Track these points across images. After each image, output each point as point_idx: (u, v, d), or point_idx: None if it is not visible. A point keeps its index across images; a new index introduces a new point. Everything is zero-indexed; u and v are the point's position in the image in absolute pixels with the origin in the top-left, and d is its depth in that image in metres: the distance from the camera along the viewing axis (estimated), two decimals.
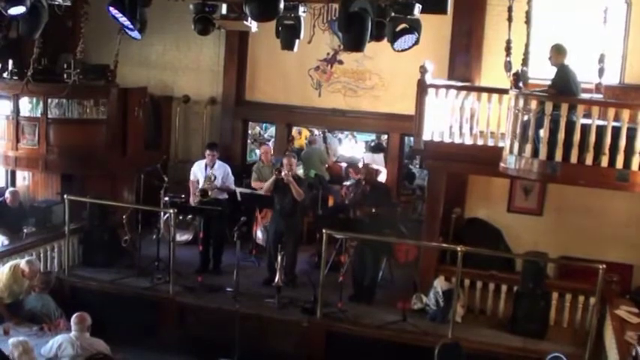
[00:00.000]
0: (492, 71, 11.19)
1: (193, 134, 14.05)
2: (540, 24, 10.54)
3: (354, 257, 10.65)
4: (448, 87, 10.10)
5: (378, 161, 14.91)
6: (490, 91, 9.94)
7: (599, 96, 9.39)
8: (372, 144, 17.35)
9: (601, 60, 9.67)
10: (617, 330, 8.56)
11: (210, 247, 11.43)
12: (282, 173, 10.49)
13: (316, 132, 16.80)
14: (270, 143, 15.17)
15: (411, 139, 10.97)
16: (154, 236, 11.29)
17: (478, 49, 11.71)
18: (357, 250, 10.63)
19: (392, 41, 7.64)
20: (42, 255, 10.85)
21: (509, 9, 9.45)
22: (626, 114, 8.34)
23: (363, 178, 10.79)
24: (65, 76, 11.47)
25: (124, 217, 11.25)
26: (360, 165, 13.01)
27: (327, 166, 14.66)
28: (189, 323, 10.24)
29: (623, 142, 8.37)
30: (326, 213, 12.12)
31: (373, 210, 10.32)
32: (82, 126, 11.71)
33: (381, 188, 10.94)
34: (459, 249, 9.31)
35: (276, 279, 10.06)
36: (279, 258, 10.13)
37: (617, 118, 8.42)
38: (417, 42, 7.64)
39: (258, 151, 16.63)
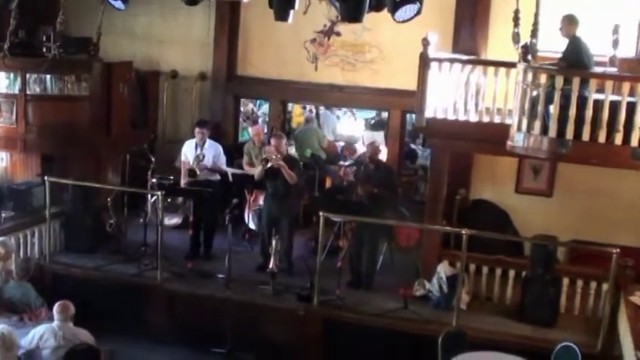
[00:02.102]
0: (499, 43, 11.12)
1: (182, 112, 14.01)
2: None
3: (351, 241, 10.62)
4: (452, 60, 10.06)
5: (378, 140, 14.85)
6: (497, 64, 9.88)
7: (613, 69, 9.33)
8: (372, 121, 17.30)
9: (615, 31, 9.59)
10: (631, 318, 8.55)
11: (201, 231, 11.42)
12: (270, 162, 10.43)
13: (308, 110, 16.74)
14: (260, 121, 15.15)
15: (413, 116, 10.95)
16: (141, 220, 11.29)
17: (484, 20, 11.66)
18: (354, 233, 10.60)
19: (392, 11, 7.54)
20: (21, 240, 10.80)
21: None
22: None
23: (368, 155, 10.75)
24: (44, 49, 11.33)
25: (108, 199, 11.21)
26: (357, 145, 12.99)
27: (324, 146, 14.59)
28: (179, 312, 10.24)
29: (638, 119, 8.34)
30: (323, 194, 12.11)
31: (375, 190, 10.29)
32: (63, 103, 11.60)
33: (385, 168, 10.92)
34: (463, 232, 9.32)
35: (271, 265, 10.04)
36: (273, 243, 10.10)
37: (632, 93, 8.42)
38: (418, 12, 7.54)
39: (250, 130, 16.61)
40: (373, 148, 10.85)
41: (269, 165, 10.46)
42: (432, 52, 9.92)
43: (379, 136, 15.21)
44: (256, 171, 10.84)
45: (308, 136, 14.36)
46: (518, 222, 11.58)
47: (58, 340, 7.88)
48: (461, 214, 11.10)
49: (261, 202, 11.63)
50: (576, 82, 8.43)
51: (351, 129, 17.37)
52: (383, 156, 13.06)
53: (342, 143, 15.33)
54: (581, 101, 8.42)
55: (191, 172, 11.23)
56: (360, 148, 14.77)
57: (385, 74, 12.75)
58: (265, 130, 13.30)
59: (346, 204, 10.69)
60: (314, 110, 16.59)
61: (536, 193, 11.58)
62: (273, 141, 10.85)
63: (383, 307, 9.83)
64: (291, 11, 8.44)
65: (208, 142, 11.43)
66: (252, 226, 12.04)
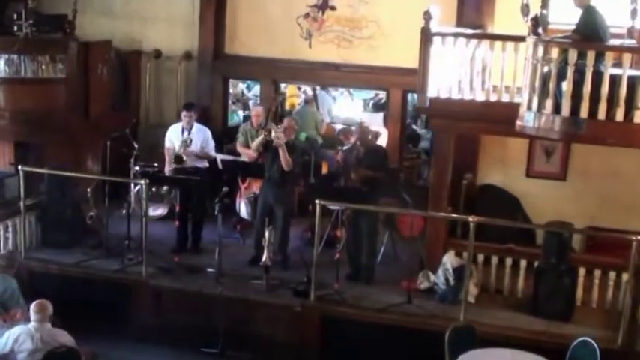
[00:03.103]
0: (507, 16, 11.10)
1: (166, 94, 13.99)
2: None
3: (349, 231, 10.59)
4: (456, 35, 10.02)
5: (377, 122, 14.82)
6: (504, 38, 9.83)
7: (631, 42, 9.28)
8: (371, 102, 17.23)
9: (634, 0, 9.52)
10: None
11: (189, 223, 11.39)
12: (273, 134, 10.37)
13: (304, 91, 16.68)
14: (251, 103, 15.08)
15: (415, 95, 10.88)
16: (124, 211, 11.23)
17: None
18: (352, 222, 10.56)
19: None
20: None
21: None
22: None
23: (357, 138, 10.70)
24: (16, 28, 11.31)
25: (88, 190, 11.18)
26: (354, 128, 12.91)
27: (322, 132, 14.52)
28: (166, 309, 10.21)
29: None
30: (319, 181, 12.09)
31: (370, 173, 10.26)
32: (37, 86, 11.57)
33: (377, 151, 10.87)
34: (470, 220, 9.28)
35: (264, 257, 10.03)
36: (266, 234, 10.08)
37: None
38: None
39: (240, 113, 16.60)
40: (362, 130, 10.80)
41: (272, 136, 10.40)
42: (434, 27, 9.85)
43: (378, 118, 15.18)
44: (255, 142, 10.83)
45: (305, 119, 14.29)
46: (529, 208, 11.57)
47: (36, 343, 7.80)
48: (468, 201, 11.07)
49: (254, 190, 11.61)
50: (591, 56, 8.34)
51: (349, 110, 17.32)
52: (383, 140, 13.03)
53: (340, 126, 15.25)
54: (596, 77, 8.34)
55: (177, 159, 11.17)
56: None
57: (384, 51, 12.71)
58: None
59: (344, 191, 10.63)
60: (310, 91, 16.48)
61: (549, 177, 11.56)
62: (286, 121, 10.91)
63: (385, 301, 9.80)
64: None
65: (196, 126, 11.38)
66: (244, 215, 11.99)
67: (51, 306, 8.03)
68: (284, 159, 10.41)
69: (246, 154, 11.66)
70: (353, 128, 13.07)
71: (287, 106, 16.45)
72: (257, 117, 12.22)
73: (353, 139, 11.16)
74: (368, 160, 10.42)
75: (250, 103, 16.36)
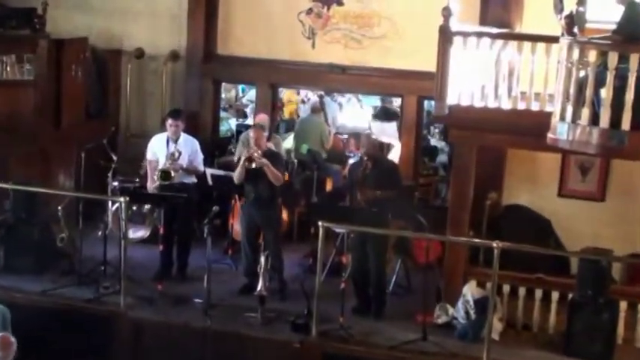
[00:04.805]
0: (537, 13, 11.18)
1: (150, 99, 14.06)
2: None
3: (354, 256, 10.58)
4: (480, 34, 10.06)
5: (389, 132, 14.83)
6: (535, 39, 9.84)
7: None
8: (382, 110, 17.25)
9: None
10: None
11: (174, 246, 11.40)
12: (254, 162, 10.40)
13: (311, 97, 16.74)
14: (249, 109, 15.10)
15: (432, 103, 10.88)
16: (100, 233, 11.27)
17: None
18: (355, 245, 10.55)
19: None
20: None
21: None
22: None
23: (364, 151, 10.69)
24: None
25: (59, 208, 11.21)
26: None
27: (327, 146, 14.53)
28: (147, 345, 10.18)
29: None
30: (323, 200, 12.07)
31: (378, 193, 10.24)
32: (1, 90, 11.59)
33: (386, 165, 10.89)
34: (494, 245, 9.23)
35: (259, 286, 10.01)
36: (261, 259, 10.08)
37: None
38: None
39: (233, 121, 16.62)
40: (369, 141, 10.78)
41: (253, 166, 10.38)
42: (454, 25, 9.87)
43: (391, 128, 15.18)
44: (236, 173, 10.77)
45: (309, 129, 14.35)
46: (562, 232, 11.58)
47: None
48: (491, 223, 11.05)
49: None
50: (634, 59, 8.34)
51: (357, 119, 17.35)
52: (396, 152, 13.03)
53: (345, 136, 15.27)
54: None
55: (165, 175, 11.14)
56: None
57: (398, 52, 12.77)
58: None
59: (350, 211, 10.63)
60: (313, 97, 16.51)
61: (585, 197, 11.59)
62: (251, 132, 10.87)
63: (397, 338, 9.78)
64: None
65: (183, 136, 11.39)
66: (238, 237, 11.98)
67: (15, 342, 8.02)
68: (272, 175, 10.46)
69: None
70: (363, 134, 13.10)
71: (285, 115, 16.51)
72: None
73: (359, 150, 11.16)
74: (376, 177, 10.40)
75: (248, 109, 16.47)
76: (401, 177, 11.05)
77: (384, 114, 16.68)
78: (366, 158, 10.61)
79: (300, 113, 17.19)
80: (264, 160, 10.41)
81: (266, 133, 12.13)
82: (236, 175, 10.80)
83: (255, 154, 10.44)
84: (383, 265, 10.66)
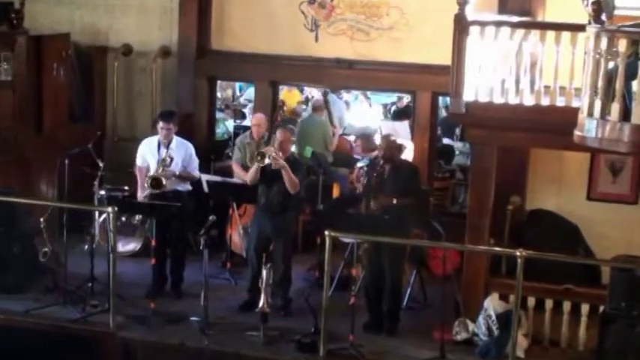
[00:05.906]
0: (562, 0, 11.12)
1: (139, 100, 14.13)
2: None
3: (365, 268, 10.59)
4: (498, 24, 10.07)
5: (401, 132, 14.80)
6: (559, 27, 9.87)
7: None
8: (394, 108, 17.25)
9: None
10: None
11: (167, 260, 11.43)
12: (267, 158, 10.36)
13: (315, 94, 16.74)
14: (248, 109, 15.09)
15: (447, 99, 10.87)
16: (86, 246, 11.28)
17: None
18: (368, 256, 10.55)
19: None
20: None
21: None
22: None
23: (381, 154, 10.67)
24: None
25: (42, 220, 11.26)
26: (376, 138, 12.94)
27: (331, 148, 14.53)
28: None
29: None
30: (329, 207, 12.05)
31: (394, 201, 10.23)
32: None
33: (406, 169, 10.87)
34: (518, 254, 9.20)
35: (261, 303, 10.02)
36: (264, 273, 10.10)
37: None
38: None
39: (230, 122, 16.63)
40: (387, 143, 10.76)
41: (266, 162, 10.38)
42: (471, 14, 9.90)
43: (402, 128, 15.16)
44: (249, 173, 10.79)
45: (312, 130, 14.33)
46: (591, 239, 11.50)
47: None
48: (514, 230, 11.06)
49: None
50: None
51: (365, 118, 17.34)
52: (408, 154, 13.01)
53: (352, 137, 15.26)
54: None
55: (155, 182, 11.15)
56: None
57: (409, 44, 12.79)
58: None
59: (360, 219, 10.63)
60: (318, 95, 16.50)
61: (616, 200, 11.53)
62: (279, 134, 10.88)
63: (412, 356, 9.84)
64: None
65: (176, 140, 11.40)
66: (237, 249, 12.02)
67: None
68: (289, 181, 10.43)
69: (242, 177, 11.60)
70: (375, 137, 13.08)
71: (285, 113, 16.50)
72: (258, 125, 12.25)
73: (368, 152, 11.16)
74: (394, 182, 10.41)
75: (246, 109, 16.47)
76: (421, 182, 11.07)
77: (398, 113, 16.67)
78: (382, 162, 10.61)
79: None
80: (282, 162, 10.41)
81: (266, 133, 12.21)
82: (249, 175, 10.84)
83: (272, 153, 10.45)
84: (400, 278, 10.69)
